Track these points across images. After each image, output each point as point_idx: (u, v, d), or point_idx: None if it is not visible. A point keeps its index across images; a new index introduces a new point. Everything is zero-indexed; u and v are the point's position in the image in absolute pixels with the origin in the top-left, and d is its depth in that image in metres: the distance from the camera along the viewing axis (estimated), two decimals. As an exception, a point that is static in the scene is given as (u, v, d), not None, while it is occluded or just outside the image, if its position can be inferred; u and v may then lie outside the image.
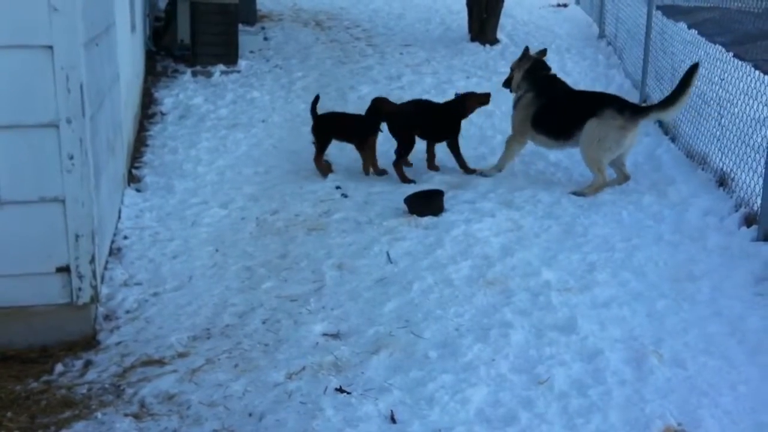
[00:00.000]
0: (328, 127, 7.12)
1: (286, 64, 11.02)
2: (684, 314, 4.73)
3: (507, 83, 7.37)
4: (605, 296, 4.92)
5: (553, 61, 10.96)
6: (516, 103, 7.16)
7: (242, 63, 10.78)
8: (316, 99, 7.18)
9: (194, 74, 10.24)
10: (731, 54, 7.74)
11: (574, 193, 6.62)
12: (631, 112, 6.61)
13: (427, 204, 6.27)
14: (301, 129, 8.46)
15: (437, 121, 7.14)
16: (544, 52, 7.41)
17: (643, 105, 7.13)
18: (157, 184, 6.80)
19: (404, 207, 6.29)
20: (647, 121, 6.89)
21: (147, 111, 8.85)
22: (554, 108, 6.90)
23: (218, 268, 5.38)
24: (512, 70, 7.33)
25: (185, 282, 5.16)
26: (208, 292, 5.03)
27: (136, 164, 7.28)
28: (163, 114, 8.80)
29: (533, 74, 7.13)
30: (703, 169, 6.91)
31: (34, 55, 4.09)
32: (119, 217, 5.98)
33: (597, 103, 6.73)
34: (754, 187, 5.87)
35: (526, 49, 7.41)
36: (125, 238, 5.74)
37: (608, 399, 3.89)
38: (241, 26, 11.40)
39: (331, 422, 3.69)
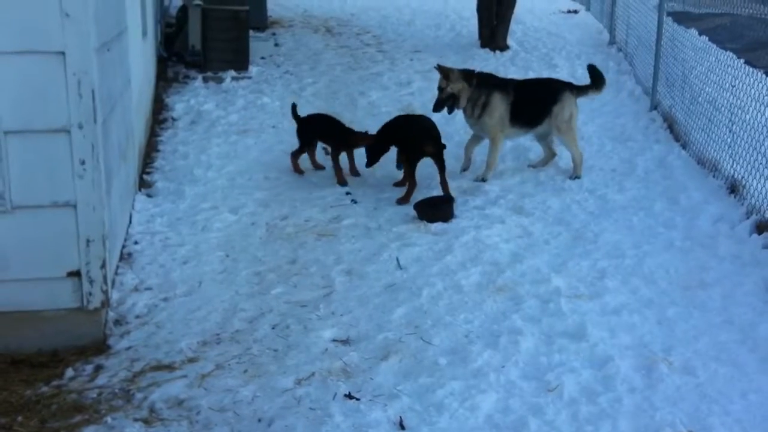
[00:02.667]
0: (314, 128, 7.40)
1: (296, 70, 11.05)
2: (695, 321, 4.72)
3: (445, 102, 7.20)
4: (615, 303, 4.91)
5: (563, 68, 11.04)
6: (486, 107, 7.13)
7: (253, 69, 10.80)
8: (294, 106, 7.53)
9: (205, 80, 10.27)
10: (742, 60, 7.73)
11: (574, 178, 7.17)
12: (577, 90, 7.37)
13: (436, 210, 6.27)
14: (312, 135, 8.47)
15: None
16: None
17: (580, 85, 7.47)
18: (168, 190, 6.82)
19: (414, 213, 6.29)
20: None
21: (158, 116, 8.88)
22: (523, 101, 7.21)
23: (228, 273, 5.39)
24: (442, 88, 7.18)
25: (195, 287, 5.17)
26: (218, 297, 5.04)
27: (147, 169, 7.30)
28: (174, 119, 8.82)
29: (478, 79, 7.25)
30: (714, 176, 6.89)
31: (47, 60, 4.11)
32: (130, 222, 6.00)
33: (555, 89, 7.30)
34: (766, 194, 5.85)
35: (439, 66, 7.35)
36: (136, 243, 5.75)
37: (618, 406, 3.88)
38: (251, 32, 11.43)
39: (340, 428, 3.69)
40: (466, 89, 7.15)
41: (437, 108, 7.25)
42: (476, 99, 7.16)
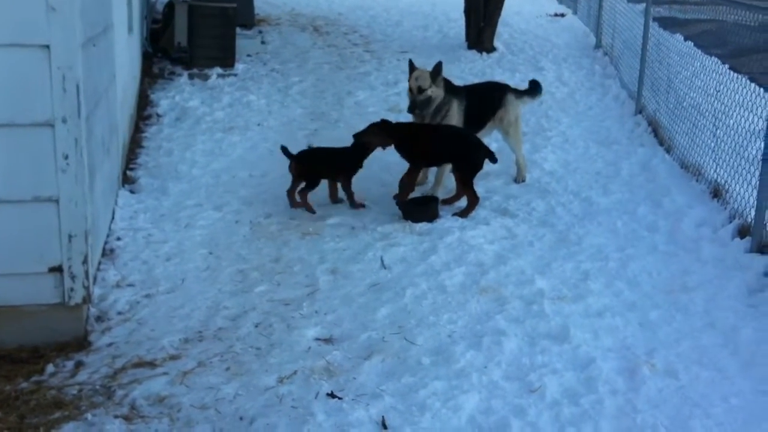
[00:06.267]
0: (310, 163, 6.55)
1: (283, 68, 11.02)
2: (677, 325, 4.74)
3: (419, 104, 6.77)
4: (598, 306, 4.93)
5: (549, 71, 11.08)
6: (446, 113, 6.84)
7: (239, 66, 10.77)
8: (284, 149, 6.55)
9: (191, 77, 10.22)
10: (727, 66, 7.77)
11: (520, 182, 7.21)
12: (517, 93, 7.37)
13: (422, 210, 6.27)
14: (297, 133, 8.46)
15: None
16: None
17: (520, 89, 7.52)
18: (152, 186, 6.78)
19: (399, 213, 6.28)
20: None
21: (143, 112, 8.83)
22: (472, 106, 7.04)
23: (211, 270, 5.36)
24: (425, 88, 6.72)
25: (178, 284, 5.15)
26: (201, 294, 5.01)
27: (131, 165, 7.26)
28: (159, 116, 8.78)
29: (446, 83, 6.95)
30: (697, 181, 6.92)
31: (31, 54, 4.08)
32: (113, 218, 5.96)
33: (498, 92, 7.28)
34: (748, 198, 5.89)
35: (411, 62, 7.02)
36: (118, 239, 5.72)
37: (600, 408, 3.89)
38: (238, 30, 11.40)
39: (322, 427, 3.68)
40: (440, 97, 6.81)
41: (414, 110, 6.83)
42: (441, 106, 6.84)
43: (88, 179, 4.38)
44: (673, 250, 5.78)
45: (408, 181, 6.45)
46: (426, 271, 5.34)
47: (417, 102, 6.78)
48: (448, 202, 6.58)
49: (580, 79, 10.78)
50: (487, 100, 7.21)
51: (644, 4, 9.21)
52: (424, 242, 5.81)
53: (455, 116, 6.94)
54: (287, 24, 14.25)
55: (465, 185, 6.42)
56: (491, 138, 7.63)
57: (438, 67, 6.80)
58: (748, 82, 7.00)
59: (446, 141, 6.50)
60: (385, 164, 7.36)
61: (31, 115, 4.14)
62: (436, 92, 6.80)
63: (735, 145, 6.50)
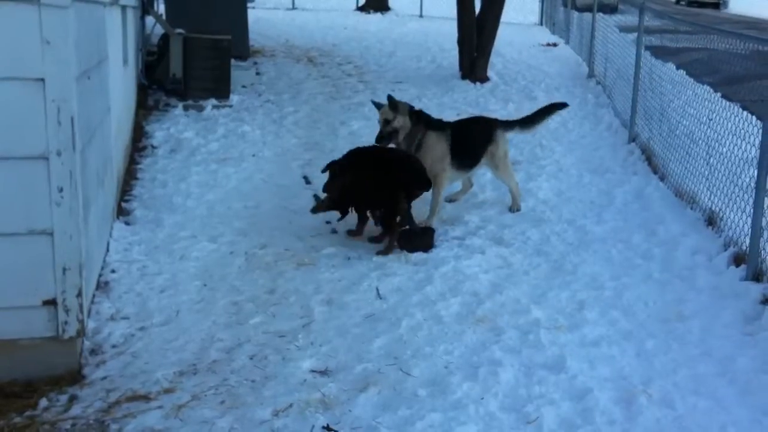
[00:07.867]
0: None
1: (277, 99, 11.07)
2: (673, 354, 4.72)
3: (388, 135, 6.91)
4: (594, 335, 4.91)
5: (542, 100, 11.13)
6: (420, 145, 6.88)
7: (234, 97, 10.82)
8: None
9: (186, 108, 10.26)
10: (719, 94, 7.83)
11: (515, 211, 7.20)
12: (504, 127, 7.28)
13: (417, 240, 6.26)
14: (291, 164, 8.48)
15: None
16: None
17: (507, 120, 7.47)
18: (146, 218, 6.77)
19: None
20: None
21: (138, 144, 8.85)
22: (460, 142, 7.01)
23: (206, 302, 5.34)
24: (390, 120, 6.88)
25: (172, 317, 5.12)
26: (195, 327, 4.99)
27: (126, 197, 7.25)
28: (153, 147, 8.79)
29: (418, 114, 7.03)
30: (692, 208, 6.94)
31: (26, 87, 4.08)
32: (107, 251, 5.94)
33: (487, 128, 7.19)
34: (743, 226, 5.90)
35: (373, 102, 7.27)
36: (113, 271, 5.69)
37: (598, 439, 3.87)
38: (233, 61, 11.47)
39: (318, 461, 3.65)
40: (408, 126, 6.89)
41: (381, 140, 6.91)
42: (413, 137, 6.90)
43: (82, 212, 4.37)
44: (668, 279, 5.78)
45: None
46: (421, 301, 5.32)
47: (384, 133, 6.92)
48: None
49: (573, 109, 10.84)
50: (476, 137, 7.12)
51: (636, 34, 9.30)
52: (419, 272, 5.80)
53: (433, 148, 6.87)
54: (282, 55, 14.34)
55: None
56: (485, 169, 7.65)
57: (391, 99, 6.97)
58: (740, 109, 7.06)
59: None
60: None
61: (26, 148, 4.13)
62: (401, 120, 6.89)
63: (729, 173, 6.52)
